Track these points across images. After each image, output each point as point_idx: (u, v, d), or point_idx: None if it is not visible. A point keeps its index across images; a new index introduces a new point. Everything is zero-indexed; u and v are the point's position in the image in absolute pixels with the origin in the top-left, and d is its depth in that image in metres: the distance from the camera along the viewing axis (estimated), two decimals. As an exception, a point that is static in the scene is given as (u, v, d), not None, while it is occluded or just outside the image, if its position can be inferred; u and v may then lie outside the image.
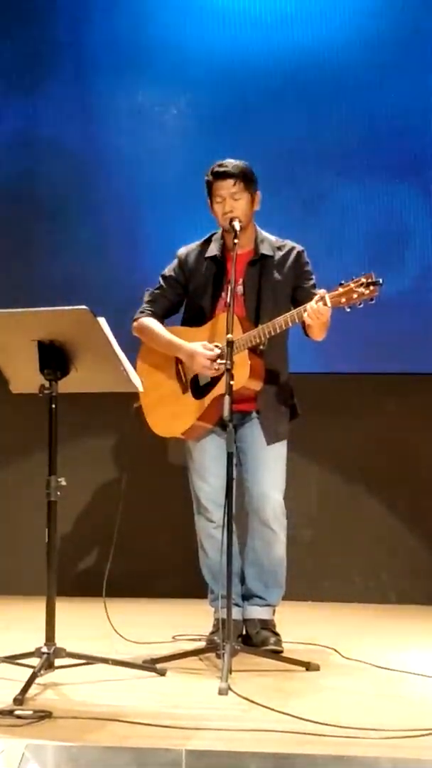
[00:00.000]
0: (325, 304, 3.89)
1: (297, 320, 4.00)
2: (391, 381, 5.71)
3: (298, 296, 4.21)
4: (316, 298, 3.92)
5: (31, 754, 2.81)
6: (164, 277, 4.39)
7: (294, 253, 4.28)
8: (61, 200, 5.83)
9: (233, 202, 4.16)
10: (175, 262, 4.38)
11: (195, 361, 4.16)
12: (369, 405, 5.74)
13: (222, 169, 4.17)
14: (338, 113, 5.62)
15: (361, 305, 3.88)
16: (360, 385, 5.72)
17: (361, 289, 3.85)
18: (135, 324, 4.35)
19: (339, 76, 5.62)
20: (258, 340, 4.07)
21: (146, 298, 4.39)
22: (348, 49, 5.63)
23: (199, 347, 4.16)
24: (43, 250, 5.84)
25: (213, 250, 4.30)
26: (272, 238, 4.31)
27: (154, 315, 4.35)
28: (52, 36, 5.86)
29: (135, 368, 4.03)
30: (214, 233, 4.34)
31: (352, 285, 3.87)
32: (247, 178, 4.18)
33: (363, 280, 3.86)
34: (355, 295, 3.86)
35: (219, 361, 4.01)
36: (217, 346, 4.14)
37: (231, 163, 4.19)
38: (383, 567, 5.68)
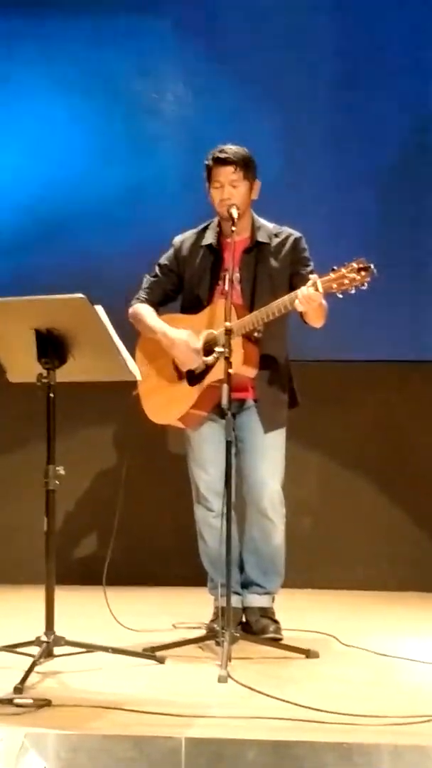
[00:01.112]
0: (316, 289, 3.88)
1: (289, 306, 3.98)
2: (391, 369, 5.71)
3: (296, 283, 4.19)
4: (308, 283, 3.91)
5: (31, 743, 2.82)
6: (159, 266, 4.38)
7: (291, 239, 4.26)
8: (58, 188, 5.83)
9: (231, 189, 4.14)
10: (171, 250, 4.37)
11: (175, 348, 4.15)
12: (369, 393, 5.74)
13: (223, 155, 4.15)
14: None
15: (353, 291, 3.86)
16: (359, 373, 5.72)
17: (353, 275, 3.82)
18: (130, 310, 4.35)
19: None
20: (251, 327, 4.06)
21: (143, 284, 4.39)
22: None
23: (183, 336, 4.15)
24: (42, 239, 5.83)
25: (209, 238, 4.28)
26: (269, 225, 4.30)
27: (148, 302, 4.35)
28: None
29: (134, 355, 4.02)
30: (211, 221, 4.32)
31: (344, 270, 3.84)
32: (247, 166, 4.16)
33: (354, 265, 3.83)
34: (346, 281, 3.83)
35: (217, 349, 3.99)
36: (210, 333, 4.14)
37: (232, 149, 4.17)
38: (383, 554, 5.69)
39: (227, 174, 4.14)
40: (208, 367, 4.14)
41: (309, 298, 3.89)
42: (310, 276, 3.96)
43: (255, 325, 4.05)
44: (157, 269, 4.38)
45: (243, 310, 4.12)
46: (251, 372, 4.16)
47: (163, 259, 4.38)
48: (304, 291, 3.90)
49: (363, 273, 3.82)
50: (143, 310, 4.32)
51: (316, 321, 4.09)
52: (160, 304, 4.38)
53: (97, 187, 5.82)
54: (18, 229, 5.84)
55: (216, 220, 4.29)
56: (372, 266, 3.81)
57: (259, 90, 5.64)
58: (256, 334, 4.12)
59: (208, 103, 5.73)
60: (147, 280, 4.39)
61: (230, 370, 3.80)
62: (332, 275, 3.87)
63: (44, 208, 5.81)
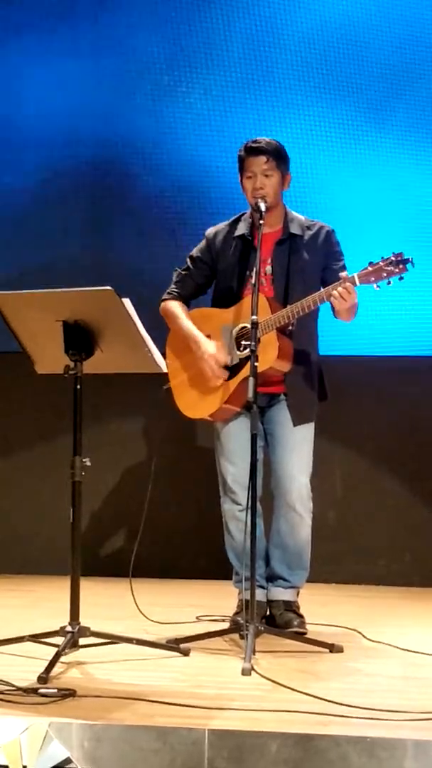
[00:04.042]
0: (353, 283, 3.89)
1: (325, 299, 3.99)
2: (416, 363, 5.69)
3: (327, 277, 4.19)
4: (345, 278, 3.91)
5: (55, 732, 2.83)
6: (192, 258, 4.37)
7: (324, 232, 4.26)
8: (88, 183, 5.84)
9: (264, 179, 4.15)
10: (204, 242, 4.36)
11: (203, 362, 4.15)
12: (394, 388, 5.72)
13: (255, 145, 4.16)
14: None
15: (390, 284, 3.88)
16: (385, 368, 5.70)
17: (391, 268, 3.85)
18: (161, 305, 4.35)
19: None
20: (286, 320, 4.05)
21: (174, 278, 4.39)
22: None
23: (212, 350, 4.14)
24: (70, 232, 5.85)
25: (241, 229, 4.28)
26: (301, 217, 4.29)
27: (180, 297, 4.34)
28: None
29: (164, 349, 4.02)
30: (243, 213, 4.32)
31: (382, 264, 3.87)
32: (279, 157, 4.17)
33: (392, 258, 3.86)
34: (384, 274, 3.87)
35: (244, 342, 3.98)
36: (243, 327, 4.13)
37: (264, 140, 4.18)
38: (407, 549, 5.68)
39: (260, 164, 4.15)
40: (243, 362, 4.13)
41: (345, 293, 3.90)
42: (341, 274, 3.95)
43: (289, 319, 4.05)
44: (189, 262, 4.38)
45: (275, 304, 4.11)
46: (285, 366, 4.15)
47: (196, 251, 4.37)
48: (339, 288, 3.90)
49: (401, 266, 3.85)
50: (175, 310, 4.30)
51: (348, 316, 4.09)
52: (191, 297, 4.38)
53: (126, 179, 5.83)
54: (46, 221, 5.87)
55: (249, 211, 4.29)
56: (411, 259, 3.84)
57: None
58: (290, 328, 4.11)
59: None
60: (178, 273, 4.39)
61: (256, 364, 3.79)
62: (369, 269, 3.89)
63: (73, 201, 5.83)
